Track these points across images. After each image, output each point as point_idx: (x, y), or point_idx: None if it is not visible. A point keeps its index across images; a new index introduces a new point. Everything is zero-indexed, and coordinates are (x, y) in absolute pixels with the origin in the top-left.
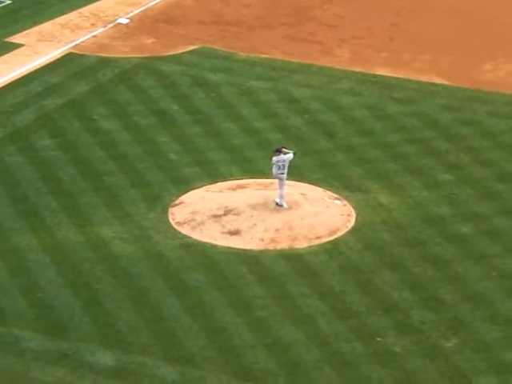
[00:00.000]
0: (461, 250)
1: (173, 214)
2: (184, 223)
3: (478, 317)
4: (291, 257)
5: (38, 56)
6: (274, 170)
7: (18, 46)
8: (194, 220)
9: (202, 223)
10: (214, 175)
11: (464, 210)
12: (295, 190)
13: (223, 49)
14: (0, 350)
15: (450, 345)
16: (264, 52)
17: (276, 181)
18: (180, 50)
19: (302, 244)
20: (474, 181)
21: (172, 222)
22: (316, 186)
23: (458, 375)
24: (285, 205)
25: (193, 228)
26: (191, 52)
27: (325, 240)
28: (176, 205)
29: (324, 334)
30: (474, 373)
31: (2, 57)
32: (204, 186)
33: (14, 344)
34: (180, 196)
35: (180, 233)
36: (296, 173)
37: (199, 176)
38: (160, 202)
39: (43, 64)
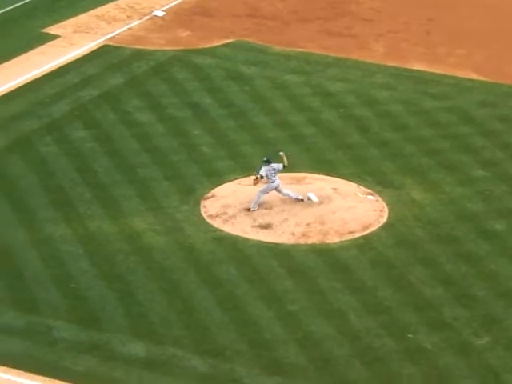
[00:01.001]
0: (494, 246)
1: (205, 206)
2: (216, 216)
3: (510, 314)
4: (322, 251)
5: (74, 47)
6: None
7: (54, 37)
8: (225, 213)
9: (233, 216)
10: (246, 168)
11: (498, 206)
12: (327, 184)
13: (258, 42)
14: (32, 339)
15: (481, 342)
16: (300, 46)
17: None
18: (215, 43)
19: (333, 239)
20: (508, 177)
21: (204, 215)
22: (349, 180)
23: (490, 373)
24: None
25: (224, 221)
26: (226, 45)
27: (357, 235)
28: (208, 198)
29: (355, 329)
30: (505, 370)
31: (39, 48)
32: (236, 179)
33: (46, 334)
34: (212, 189)
35: (212, 226)
36: (329, 167)
37: (232, 169)
38: (192, 194)
39: (79, 55)
